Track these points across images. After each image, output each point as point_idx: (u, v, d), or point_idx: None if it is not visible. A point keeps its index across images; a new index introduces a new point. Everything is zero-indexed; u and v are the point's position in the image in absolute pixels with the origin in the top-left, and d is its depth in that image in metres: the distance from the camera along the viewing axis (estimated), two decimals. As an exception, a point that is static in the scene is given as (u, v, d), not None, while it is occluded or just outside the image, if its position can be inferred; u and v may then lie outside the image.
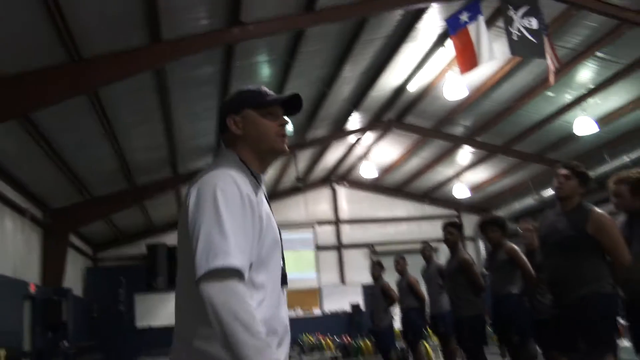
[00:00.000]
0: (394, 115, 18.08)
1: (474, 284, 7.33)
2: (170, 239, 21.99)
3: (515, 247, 7.13)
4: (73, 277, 18.04)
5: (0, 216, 12.45)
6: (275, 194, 23.61)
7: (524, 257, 6.99)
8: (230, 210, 1.69)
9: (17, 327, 12.37)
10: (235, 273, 1.63)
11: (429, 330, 11.24)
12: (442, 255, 9.74)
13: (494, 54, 10.33)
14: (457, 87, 13.83)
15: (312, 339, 17.36)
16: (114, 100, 11.11)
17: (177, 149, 14.86)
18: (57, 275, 15.09)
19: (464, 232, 7.39)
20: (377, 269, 9.50)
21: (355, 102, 16.10)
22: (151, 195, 16.81)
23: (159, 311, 19.68)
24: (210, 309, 1.58)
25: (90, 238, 20.59)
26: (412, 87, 15.83)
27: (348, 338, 16.65)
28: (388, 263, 9.75)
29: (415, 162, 21.55)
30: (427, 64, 14.52)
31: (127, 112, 11.96)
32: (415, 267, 9.89)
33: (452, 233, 7.68)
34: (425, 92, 16.15)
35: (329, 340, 17.18)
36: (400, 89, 16.05)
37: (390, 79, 15.26)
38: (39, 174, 13.34)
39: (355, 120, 17.74)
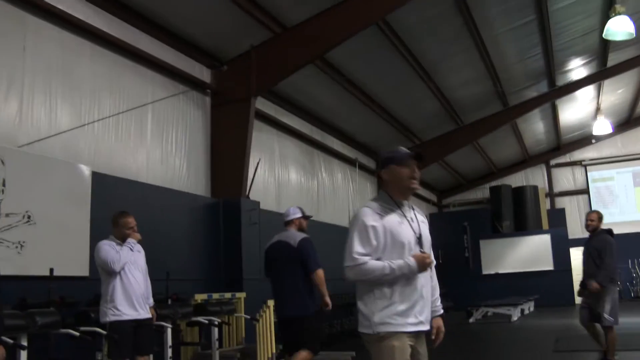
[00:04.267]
0: None
1: None
2: (515, 179, 20.57)
3: None
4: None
5: (329, 168, 12.85)
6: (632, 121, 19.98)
7: None
8: (357, 232, 2.88)
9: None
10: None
11: None
12: None
13: None
14: None
15: None
16: (412, 33, 10.30)
17: (501, 78, 13.37)
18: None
19: None
20: None
21: None
22: (483, 133, 15.62)
23: (506, 257, 18.57)
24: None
25: (434, 185, 20.48)
26: None
27: None
28: None
29: None
30: None
31: (432, 44, 11.01)
32: None
33: None
34: None
35: None
36: None
37: None
38: (363, 123, 13.41)
39: None
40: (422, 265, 2.82)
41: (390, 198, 2.97)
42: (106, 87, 7.22)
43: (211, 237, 8.48)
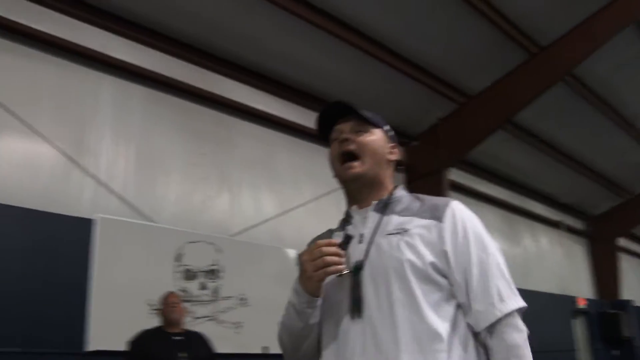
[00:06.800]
0: None
1: None
2: None
3: None
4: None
5: (532, 233, 12.30)
6: None
7: None
8: None
9: (567, 344, 11.76)
10: None
11: None
12: None
13: None
14: None
15: None
16: (606, 83, 9.76)
17: None
18: (610, 286, 13.86)
19: None
20: None
21: None
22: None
23: None
24: None
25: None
26: None
27: None
28: None
29: None
30: None
31: (631, 90, 10.27)
32: None
33: None
34: None
35: None
36: None
37: None
38: (564, 183, 12.74)
39: None
40: (302, 270, 1.53)
41: (346, 211, 1.78)
42: (304, 173, 7.78)
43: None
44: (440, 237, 1.53)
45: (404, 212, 1.61)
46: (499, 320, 1.45)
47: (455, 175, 9.91)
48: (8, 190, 5.18)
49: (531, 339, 1.51)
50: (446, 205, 1.59)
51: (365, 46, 7.55)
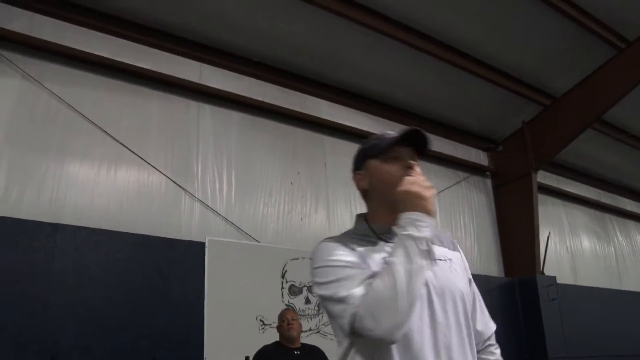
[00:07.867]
0: None
1: None
2: None
3: None
4: None
5: (624, 231, 11.98)
6: None
7: None
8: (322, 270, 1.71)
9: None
10: None
11: None
12: None
13: None
14: None
15: None
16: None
17: None
18: None
19: None
20: None
21: None
22: None
23: None
24: None
25: None
26: None
27: None
28: None
29: None
30: None
31: None
32: None
33: None
34: None
35: None
36: None
37: None
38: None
39: None
40: (419, 197, 1.55)
41: (368, 226, 1.71)
42: (396, 186, 7.92)
43: (509, 318, 8.42)
44: (463, 267, 1.75)
45: (435, 241, 1.70)
46: (490, 337, 1.77)
47: (541, 177, 9.81)
48: (127, 218, 5.58)
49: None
50: (452, 236, 1.82)
51: (446, 55, 7.63)
